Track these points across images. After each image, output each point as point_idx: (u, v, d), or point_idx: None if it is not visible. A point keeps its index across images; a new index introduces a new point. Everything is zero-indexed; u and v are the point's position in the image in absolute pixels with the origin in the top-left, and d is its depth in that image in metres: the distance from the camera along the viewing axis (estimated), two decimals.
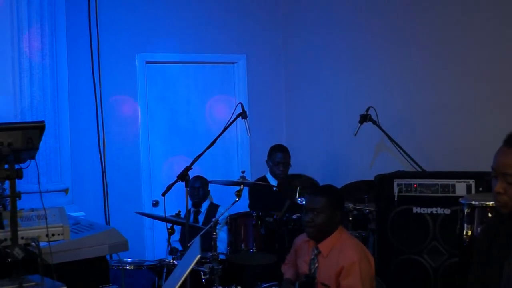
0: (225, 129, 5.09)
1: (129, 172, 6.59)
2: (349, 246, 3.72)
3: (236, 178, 5.05)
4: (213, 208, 6.20)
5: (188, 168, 4.72)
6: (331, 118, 6.58)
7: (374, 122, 5.40)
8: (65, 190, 5.94)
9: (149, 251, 6.63)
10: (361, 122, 5.42)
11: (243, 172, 4.95)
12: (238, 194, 4.80)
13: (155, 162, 6.73)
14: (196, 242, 2.83)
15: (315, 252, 3.82)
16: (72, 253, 3.24)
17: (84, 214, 5.70)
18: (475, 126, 5.01)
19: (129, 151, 6.60)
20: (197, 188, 6.19)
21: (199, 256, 2.47)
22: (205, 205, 6.30)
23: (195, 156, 4.87)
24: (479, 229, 3.64)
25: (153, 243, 6.67)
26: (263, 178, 5.98)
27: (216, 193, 6.49)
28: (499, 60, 4.84)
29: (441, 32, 5.33)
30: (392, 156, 5.54)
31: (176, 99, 6.90)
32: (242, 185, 4.85)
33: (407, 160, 5.20)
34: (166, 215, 5.06)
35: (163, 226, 5.27)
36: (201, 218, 6.21)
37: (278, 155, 5.91)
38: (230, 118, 5.15)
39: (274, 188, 5.80)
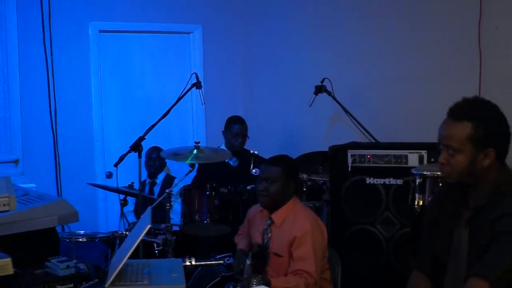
0: (179, 99, 5.05)
1: (81, 143, 6.48)
2: (302, 216, 3.72)
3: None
4: (169, 180, 6.17)
5: (141, 139, 4.68)
6: (286, 89, 6.55)
7: (329, 94, 5.40)
8: (15, 161, 5.85)
9: (103, 223, 6.56)
10: (316, 93, 5.41)
11: (197, 142, 4.90)
12: (192, 165, 4.75)
13: (109, 133, 6.63)
14: (147, 212, 2.79)
15: (268, 222, 3.81)
16: (20, 225, 3.16)
17: (35, 185, 5.61)
18: (428, 98, 5.04)
19: (81, 122, 6.48)
20: (154, 159, 6.16)
21: (149, 225, 2.45)
22: (161, 177, 6.27)
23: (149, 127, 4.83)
24: (430, 199, 3.68)
25: (106, 215, 6.60)
26: None
27: (171, 165, 6.45)
28: (451, 32, 4.86)
29: (396, 5, 5.33)
30: (346, 128, 5.55)
31: (131, 69, 6.79)
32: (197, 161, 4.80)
33: (361, 132, 5.22)
34: (120, 186, 5.02)
35: (116, 198, 5.23)
36: (156, 189, 6.18)
37: (236, 127, 5.78)
38: (185, 88, 5.10)
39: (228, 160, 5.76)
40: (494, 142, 2.42)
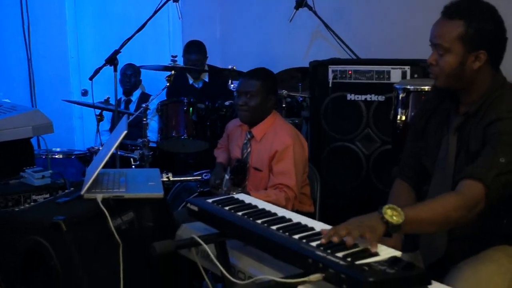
0: (155, 12, 4.88)
1: (56, 60, 6.34)
2: (283, 130, 3.65)
3: (167, 63, 4.87)
4: (145, 97, 6.06)
5: (116, 52, 4.54)
6: (266, 3, 6.35)
7: (310, 8, 5.28)
8: None
9: (79, 141, 6.49)
10: (296, 8, 5.28)
11: (174, 56, 4.77)
12: (169, 79, 4.65)
13: (84, 49, 6.47)
14: (123, 120, 2.71)
15: (248, 136, 3.74)
16: None
17: (9, 101, 5.49)
18: (412, 13, 4.95)
19: (55, 38, 6.32)
20: (129, 76, 6.06)
21: (125, 131, 2.36)
22: (136, 94, 6.17)
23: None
24: (413, 114, 3.61)
25: (82, 133, 6.52)
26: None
27: (146, 82, 6.34)
28: None
29: None
30: (327, 44, 5.45)
31: None
32: (173, 70, 4.70)
33: (343, 48, 5.13)
34: (95, 101, 4.91)
35: (92, 116, 5.13)
36: (132, 107, 6.09)
37: (192, 57, 5.57)
38: (161, 2, 4.94)
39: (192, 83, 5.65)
40: (486, 44, 2.30)
